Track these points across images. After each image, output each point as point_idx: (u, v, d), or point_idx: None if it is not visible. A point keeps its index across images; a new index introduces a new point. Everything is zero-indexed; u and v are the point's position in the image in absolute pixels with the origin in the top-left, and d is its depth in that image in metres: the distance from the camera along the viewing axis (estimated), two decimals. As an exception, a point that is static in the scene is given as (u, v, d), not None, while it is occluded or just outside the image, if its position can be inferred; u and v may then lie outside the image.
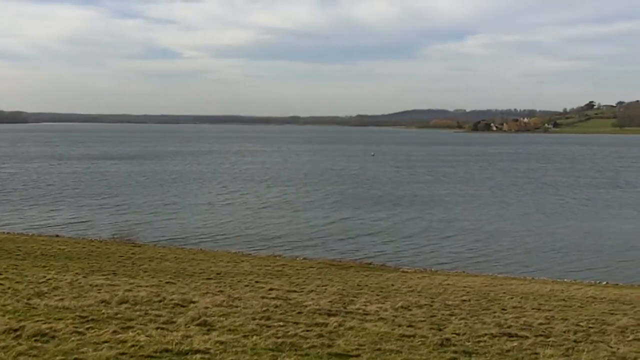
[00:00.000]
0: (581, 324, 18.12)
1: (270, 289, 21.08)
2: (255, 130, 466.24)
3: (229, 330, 12.11)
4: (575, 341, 15.03)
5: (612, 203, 71.96)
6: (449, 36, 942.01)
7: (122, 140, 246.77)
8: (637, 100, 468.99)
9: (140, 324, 12.08)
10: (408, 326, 14.84)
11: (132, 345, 10.16)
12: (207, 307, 14.89)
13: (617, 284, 31.08)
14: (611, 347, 14.73)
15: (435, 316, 17.59)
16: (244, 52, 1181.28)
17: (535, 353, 12.47)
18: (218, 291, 19.53)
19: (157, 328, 11.69)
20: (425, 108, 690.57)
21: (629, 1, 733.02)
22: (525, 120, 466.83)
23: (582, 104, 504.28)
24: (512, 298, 23.46)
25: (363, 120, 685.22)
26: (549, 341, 14.65)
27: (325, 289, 22.87)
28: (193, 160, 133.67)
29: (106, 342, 10.34)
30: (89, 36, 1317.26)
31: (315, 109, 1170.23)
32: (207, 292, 18.83)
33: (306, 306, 16.63)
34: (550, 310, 20.69)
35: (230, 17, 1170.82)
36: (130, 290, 17.26)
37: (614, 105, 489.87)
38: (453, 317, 17.66)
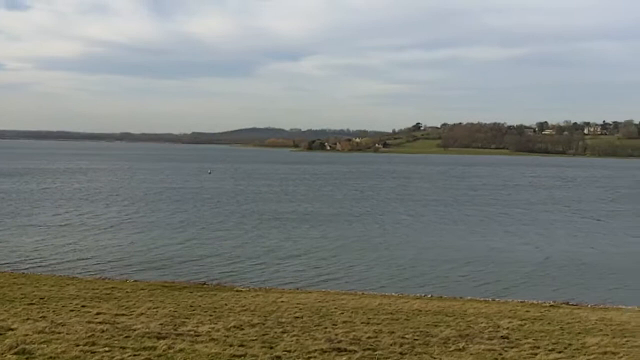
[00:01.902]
0: (407, 336, 18.82)
1: (97, 313, 20.35)
2: (86, 147, 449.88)
3: (50, 358, 11.58)
4: (400, 353, 15.60)
5: (445, 219, 75.43)
6: (286, 56, 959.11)
7: None
8: (460, 123, 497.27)
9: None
10: (239, 346, 14.81)
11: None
12: (26, 334, 14.14)
13: (441, 297, 32.53)
14: (434, 358, 15.42)
15: (267, 334, 17.65)
16: (73, 65, 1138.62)
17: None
18: (40, 317, 18.59)
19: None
20: (263, 127, 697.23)
21: (452, 29, 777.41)
22: (358, 140, 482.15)
23: (410, 125, 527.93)
24: (343, 313, 23.97)
25: (198, 138, 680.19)
26: (376, 354, 15.11)
27: (156, 311, 22.35)
28: (21, 179, 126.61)
29: None
30: None
31: (148, 126, 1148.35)
32: (27, 318, 17.87)
33: (135, 330, 16.19)
34: (378, 324, 21.33)
35: (58, 28, 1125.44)
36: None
37: (439, 126, 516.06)
38: (285, 335, 17.80)
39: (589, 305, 30.83)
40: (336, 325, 20.79)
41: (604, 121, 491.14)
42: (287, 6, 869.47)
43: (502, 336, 19.70)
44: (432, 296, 32.51)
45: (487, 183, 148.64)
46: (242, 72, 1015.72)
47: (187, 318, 20.58)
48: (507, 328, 21.51)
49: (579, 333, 21.39)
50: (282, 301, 27.58)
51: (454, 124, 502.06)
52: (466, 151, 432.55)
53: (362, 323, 21.43)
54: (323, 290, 35.23)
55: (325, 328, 19.99)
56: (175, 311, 22.68)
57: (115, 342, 14.15)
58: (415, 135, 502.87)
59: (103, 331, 15.58)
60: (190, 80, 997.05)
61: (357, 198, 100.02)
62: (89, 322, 17.46)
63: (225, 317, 21.56)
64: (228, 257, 48.22)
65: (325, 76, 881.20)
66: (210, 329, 17.68)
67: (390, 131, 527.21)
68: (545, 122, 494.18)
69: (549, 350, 18.02)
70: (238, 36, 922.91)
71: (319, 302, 27.76)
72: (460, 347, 17.57)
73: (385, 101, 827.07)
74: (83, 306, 22.71)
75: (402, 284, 39.86)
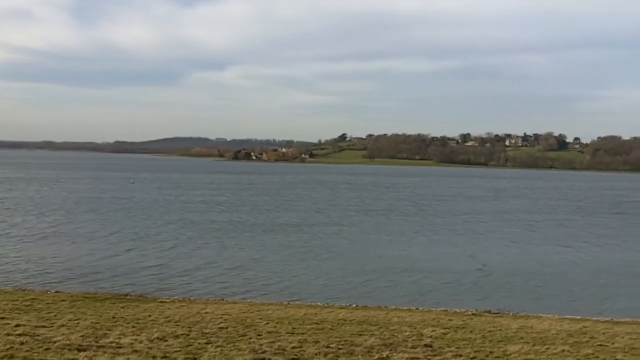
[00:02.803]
0: (331, 345, 18.92)
1: (17, 325, 19.77)
2: (5, 156, 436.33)
3: (-35, 372, 11.17)
4: (325, 363, 15.66)
5: (374, 228, 76.00)
6: (211, 66, 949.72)
7: None
8: (386, 134, 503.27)
9: None
10: (162, 357, 14.63)
11: None
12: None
13: (366, 306, 32.76)
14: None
15: (191, 345, 17.46)
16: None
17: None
18: (-45, 330, 17.95)
19: None
20: (187, 136, 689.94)
21: (380, 41, 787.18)
22: (284, 150, 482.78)
23: (336, 135, 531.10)
24: (268, 323, 23.90)
25: (121, 147, 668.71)
26: (301, 364, 15.14)
27: (78, 322, 21.85)
28: None
29: None
30: None
31: (70, 134, 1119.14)
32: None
33: (55, 342, 15.80)
34: (303, 334, 21.37)
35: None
36: None
37: (364, 137, 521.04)
38: (209, 345, 17.66)
39: (510, 314, 31.51)
40: (261, 335, 20.74)
41: (524, 133, 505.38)
42: (213, 16, 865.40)
43: (425, 345, 20.00)
44: (357, 306, 32.70)
45: (415, 194, 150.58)
46: (166, 81, 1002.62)
47: (109, 330, 20.18)
48: (431, 337, 21.84)
49: (500, 341, 21.87)
50: (206, 312, 27.32)
51: (380, 135, 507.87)
52: (391, 162, 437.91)
53: (287, 333, 21.43)
54: (249, 300, 35.04)
55: (250, 338, 19.92)
56: (97, 323, 22.23)
57: (35, 354, 13.80)
58: (341, 146, 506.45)
59: (22, 343, 15.17)
60: (114, 88, 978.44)
61: (286, 208, 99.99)
62: (8, 335, 16.96)
63: (148, 328, 21.23)
64: (153, 268, 47.37)
65: (252, 86, 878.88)
66: (132, 341, 17.40)
67: (317, 141, 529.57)
68: (468, 133, 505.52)
69: (471, 358, 18.41)
70: (163, 45, 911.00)
71: (244, 312, 27.61)
72: (384, 355, 17.77)
73: (312, 111, 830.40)
74: (2, 318, 22.01)
75: (328, 293, 39.94)
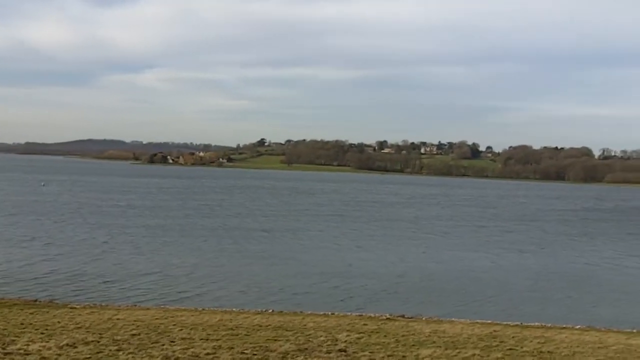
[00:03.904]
0: (246, 351, 18.82)
1: None
2: None
3: None
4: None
5: (294, 233, 75.90)
6: (128, 68, 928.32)
7: None
8: (304, 139, 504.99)
9: None
10: (71, 365, 14.22)
11: None
12: None
13: (282, 312, 32.69)
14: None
15: (102, 352, 17.09)
16: None
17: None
18: None
19: None
20: (101, 138, 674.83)
21: (300, 48, 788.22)
22: (201, 154, 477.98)
23: (255, 140, 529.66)
24: (181, 329, 23.58)
25: (32, 149, 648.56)
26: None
27: (-18, 329, 21.07)
28: None
29: None
30: None
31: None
32: None
33: (-44, 350, 15.16)
34: (218, 340, 21.18)
35: None
36: None
37: (283, 143, 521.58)
38: (121, 352, 17.31)
39: (424, 318, 31.98)
40: (174, 342, 20.45)
41: (439, 142, 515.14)
42: (130, 17, 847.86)
43: (339, 349, 20.12)
44: (273, 311, 32.61)
45: (335, 199, 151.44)
46: (81, 82, 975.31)
47: (16, 336, 19.55)
48: (345, 341, 21.97)
49: (413, 345, 22.18)
50: (118, 318, 26.74)
51: (298, 141, 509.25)
52: (309, 167, 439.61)
53: (201, 339, 21.19)
54: (162, 306, 34.46)
55: (163, 345, 19.62)
56: (5, 329, 21.50)
57: None
58: (259, 151, 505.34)
59: None
60: (26, 88, 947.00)
61: (205, 213, 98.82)
62: None
63: (57, 335, 20.66)
64: (64, 273, 46.08)
65: (170, 89, 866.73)
66: (41, 348, 16.91)
67: (235, 146, 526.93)
68: (385, 141, 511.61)
69: (385, 362, 18.58)
70: (78, 45, 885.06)
71: (157, 319, 27.14)
72: (299, 361, 17.77)
73: (231, 116, 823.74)
74: None
75: (244, 299, 39.71)
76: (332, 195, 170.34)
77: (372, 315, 32.13)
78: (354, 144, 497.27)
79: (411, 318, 31.38)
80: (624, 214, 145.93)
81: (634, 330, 30.82)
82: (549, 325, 31.43)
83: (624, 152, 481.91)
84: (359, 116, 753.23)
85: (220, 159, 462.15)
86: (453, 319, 32.83)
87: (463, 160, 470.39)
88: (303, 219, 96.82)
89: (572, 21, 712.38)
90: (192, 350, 18.62)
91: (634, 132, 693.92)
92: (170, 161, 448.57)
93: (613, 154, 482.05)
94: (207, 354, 18.18)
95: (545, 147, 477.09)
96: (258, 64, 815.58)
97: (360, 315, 31.86)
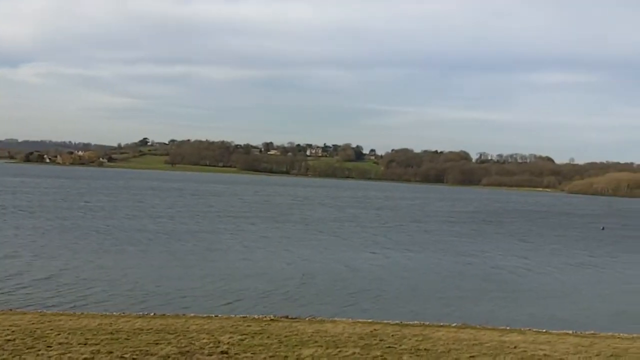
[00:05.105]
0: (125, 355, 18.50)
1: None
2: None
3: None
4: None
5: (193, 235, 74.39)
6: (1, 62, 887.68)
7: None
8: (188, 139, 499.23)
9: None
10: (-62, 373, 13.57)
11: None
12: None
13: (164, 314, 32.18)
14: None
15: (-28, 360, 16.36)
16: None
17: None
18: None
19: None
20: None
21: (186, 46, 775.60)
22: (81, 153, 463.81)
23: (137, 140, 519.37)
24: (59, 334, 22.87)
25: None
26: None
27: None
28: None
29: None
30: None
31: None
32: None
33: None
34: (96, 344, 20.70)
35: None
36: None
37: (167, 142, 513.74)
38: (-7, 359, 16.64)
39: (307, 319, 32.27)
40: (51, 347, 19.86)
41: (324, 144, 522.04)
42: (6, 8, 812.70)
43: (221, 351, 20.09)
44: (155, 314, 32.08)
45: (223, 201, 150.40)
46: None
47: None
48: (228, 343, 21.94)
49: (296, 345, 22.40)
50: (-9, 324, 25.64)
51: (182, 141, 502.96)
52: (194, 168, 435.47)
53: (79, 344, 20.66)
54: (40, 311, 33.25)
55: (39, 351, 19.03)
56: None
57: None
58: (142, 151, 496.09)
59: None
60: None
61: (88, 214, 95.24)
62: None
63: None
64: None
65: (48, 85, 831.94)
66: None
67: (116, 145, 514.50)
68: (271, 142, 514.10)
69: (266, 363, 18.68)
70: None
71: (34, 323, 26.18)
72: (180, 364, 17.60)
73: (113, 114, 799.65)
74: None
75: (127, 302, 38.77)
76: (220, 196, 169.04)
77: (256, 316, 32.15)
78: (240, 145, 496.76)
79: (295, 319, 31.61)
80: (501, 215, 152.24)
81: (508, 328, 32.17)
82: (428, 323, 32.33)
83: (500, 156, 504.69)
84: (246, 117, 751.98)
85: (101, 159, 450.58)
86: (336, 318, 33.29)
87: (347, 163, 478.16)
88: (191, 220, 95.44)
89: (453, 27, 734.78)
90: (69, 355, 18.14)
91: (508, 137, 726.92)
92: (48, 160, 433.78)
93: (490, 157, 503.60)
94: (85, 358, 17.77)
95: (425, 151, 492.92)
96: (142, 61, 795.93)
97: (244, 317, 31.79)
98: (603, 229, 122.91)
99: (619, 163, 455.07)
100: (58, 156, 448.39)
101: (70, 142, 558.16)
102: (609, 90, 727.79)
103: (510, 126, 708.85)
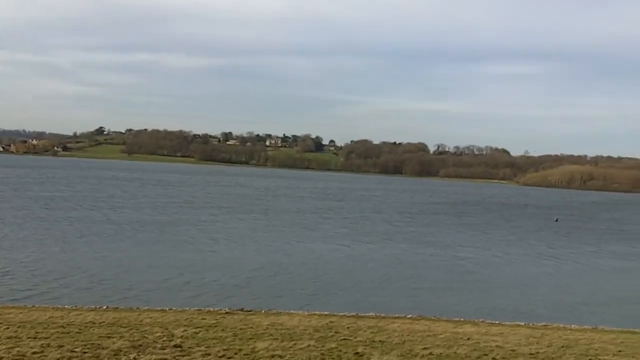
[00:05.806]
0: (76, 349, 18.19)
1: None
2: None
3: None
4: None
5: (145, 227, 73.57)
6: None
7: None
8: (146, 129, 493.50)
9: None
10: None
11: None
12: None
13: (117, 308, 31.78)
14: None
15: None
16: None
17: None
18: None
19: None
20: None
21: (145, 34, 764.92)
22: (35, 142, 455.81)
23: (93, 129, 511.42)
24: (8, 328, 22.41)
25: None
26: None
27: None
28: None
29: None
30: None
31: None
32: None
33: None
34: (47, 338, 20.33)
35: None
36: None
37: (124, 132, 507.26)
38: (-63, 355, 16.23)
39: (263, 311, 32.14)
40: (-1, 341, 19.43)
41: (284, 134, 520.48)
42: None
43: (175, 345, 19.88)
44: (107, 307, 31.65)
45: (182, 191, 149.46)
46: None
47: None
48: (181, 337, 21.72)
49: (251, 338, 22.28)
50: (-62, 318, 25.05)
51: (140, 130, 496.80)
52: (152, 158, 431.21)
53: (28, 338, 20.26)
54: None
55: (-14, 346, 18.58)
56: None
57: None
58: (98, 140, 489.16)
59: None
60: None
61: (45, 204, 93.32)
62: None
63: None
64: None
65: (2, 72, 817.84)
66: None
67: (71, 134, 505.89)
68: (230, 132, 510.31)
69: (220, 357, 18.57)
70: None
71: (-18, 317, 25.66)
72: (132, 358, 17.44)
73: (68, 103, 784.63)
74: None
75: (80, 295, 38.12)
76: (180, 187, 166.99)
77: (212, 309, 31.91)
78: (199, 135, 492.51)
79: (250, 311, 31.45)
80: (460, 207, 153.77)
81: (462, 319, 32.47)
82: (383, 315, 32.47)
83: (457, 147, 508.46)
84: (205, 106, 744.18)
85: (56, 148, 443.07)
86: (292, 311, 33.22)
87: (307, 153, 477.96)
88: (151, 211, 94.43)
89: (413, 17, 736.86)
90: (17, 349, 17.77)
91: (465, 128, 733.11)
92: (1, 149, 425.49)
93: (447, 149, 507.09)
94: (35, 352, 17.41)
95: (384, 142, 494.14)
96: (100, 48, 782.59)
97: (199, 310, 31.53)
98: (557, 220, 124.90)
99: (572, 156, 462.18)
100: (12, 145, 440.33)
101: (24, 130, 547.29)
102: (564, 83, 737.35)
103: (468, 117, 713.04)
